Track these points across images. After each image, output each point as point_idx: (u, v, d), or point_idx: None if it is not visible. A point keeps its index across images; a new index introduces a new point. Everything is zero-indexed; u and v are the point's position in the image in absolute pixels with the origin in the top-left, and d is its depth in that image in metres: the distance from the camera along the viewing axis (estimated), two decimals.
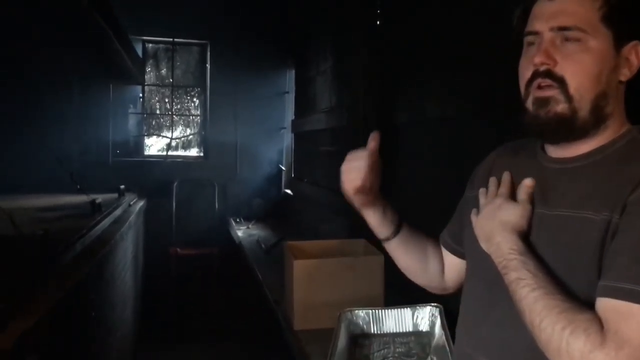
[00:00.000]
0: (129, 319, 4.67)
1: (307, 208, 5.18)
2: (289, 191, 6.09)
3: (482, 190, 1.20)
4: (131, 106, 6.43)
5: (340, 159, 1.35)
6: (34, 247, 2.66)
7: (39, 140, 5.45)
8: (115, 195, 5.05)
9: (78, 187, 4.61)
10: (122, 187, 5.21)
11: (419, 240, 1.42)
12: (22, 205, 4.10)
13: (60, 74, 5.54)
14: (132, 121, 6.45)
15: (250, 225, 5.66)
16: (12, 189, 4.63)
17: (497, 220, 1.10)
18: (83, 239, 3.19)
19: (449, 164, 2.62)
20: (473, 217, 1.20)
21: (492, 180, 1.19)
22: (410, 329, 2.27)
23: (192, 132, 6.74)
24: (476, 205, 1.21)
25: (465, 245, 1.29)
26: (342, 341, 2.07)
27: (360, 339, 2.22)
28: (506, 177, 1.17)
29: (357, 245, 2.79)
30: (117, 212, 4.47)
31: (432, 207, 2.70)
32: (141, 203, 5.47)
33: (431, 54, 2.90)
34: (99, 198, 4.21)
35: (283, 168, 6.37)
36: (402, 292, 2.73)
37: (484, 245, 1.14)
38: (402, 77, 3.26)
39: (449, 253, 1.40)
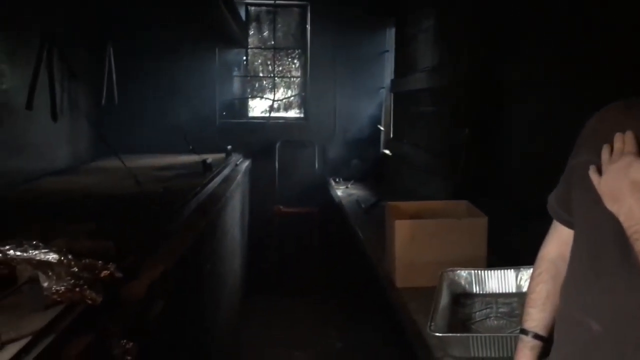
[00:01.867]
0: (237, 271, 4.97)
1: (406, 169, 5.19)
2: (387, 152, 6.11)
3: (605, 147, 1.14)
4: (235, 69, 6.66)
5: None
6: (156, 204, 2.91)
7: (154, 104, 5.82)
8: (223, 155, 5.31)
9: (191, 148, 4.90)
10: (229, 147, 5.47)
11: None
12: (144, 165, 4.44)
13: (170, 41, 5.84)
14: (236, 84, 6.69)
15: (349, 186, 5.76)
16: (135, 150, 5.01)
17: (627, 179, 1.07)
18: (197, 197, 3.42)
19: (562, 127, 2.53)
20: (594, 176, 1.14)
21: (618, 137, 1.13)
22: (514, 290, 2.28)
23: (293, 93, 6.89)
24: (585, 169, 1.17)
25: (575, 210, 1.27)
26: (444, 300, 2.12)
27: (462, 298, 2.27)
28: (630, 135, 1.11)
29: (460, 206, 2.80)
30: (226, 171, 4.72)
31: (541, 173, 2.66)
32: (246, 163, 5.73)
33: (543, 9, 2.78)
34: (209, 158, 4.47)
35: (382, 128, 6.39)
36: (504, 254, 2.74)
37: (610, 206, 1.10)
38: (511, 32, 3.16)
39: (560, 226, 1.37)
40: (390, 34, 6.14)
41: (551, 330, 1.35)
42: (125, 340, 1.61)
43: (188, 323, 2.72)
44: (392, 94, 6.04)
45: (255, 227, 6.11)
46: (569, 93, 2.54)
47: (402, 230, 2.52)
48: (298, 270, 6.24)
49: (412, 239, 2.52)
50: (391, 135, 6.09)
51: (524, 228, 2.71)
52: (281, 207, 6.25)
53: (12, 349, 1.30)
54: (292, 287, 6.01)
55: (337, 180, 6.07)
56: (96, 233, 2.26)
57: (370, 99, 6.48)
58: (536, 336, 1.35)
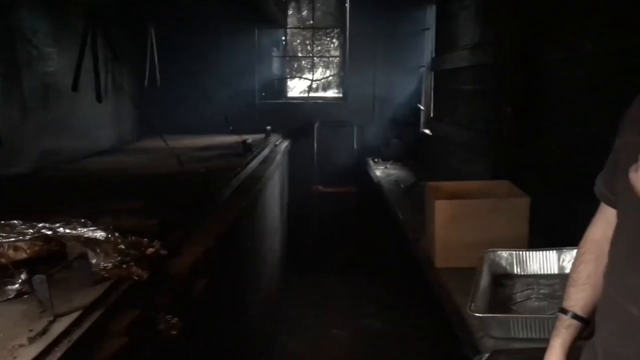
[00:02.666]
0: (276, 249, 5.03)
1: (446, 148, 5.13)
2: (427, 131, 6.05)
3: None
4: (274, 49, 6.67)
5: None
6: (198, 183, 2.96)
7: (195, 85, 5.89)
8: (262, 135, 5.35)
9: (231, 128, 4.96)
10: (268, 128, 5.51)
11: None
12: (185, 146, 4.52)
13: (210, 22, 5.88)
14: (275, 64, 6.70)
15: (388, 166, 5.74)
16: (177, 130, 5.09)
17: None
18: (238, 177, 3.47)
19: (606, 108, 2.46)
20: (632, 173, 1.08)
21: None
22: (556, 271, 2.25)
23: (332, 73, 6.86)
24: (629, 150, 1.11)
25: (619, 192, 1.25)
26: (484, 280, 2.11)
27: (502, 279, 2.25)
28: None
29: (501, 186, 2.76)
30: (265, 151, 4.76)
31: (585, 152, 2.59)
32: (285, 143, 5.76)
33: None
34: (249, 138, 4.52)
35: (421, 107, 6.32)
36: (546, 234, 2.70)
37: None
38: (553, 11, 3.07)
39: (606, 208, 1.34)
40: (431, 12, 6.04)
41: (591, 312, 1.33)
42: (170, 315, 1.66)
43: (229, 299, 2.78)
44: (432, 73, 5.96)
45: (294, 206, 6.16)
46: (612, 73, 2.46)
47: (442, 211, 2.50)
48: (336, 250, 6.28)
49: (452, 220, 2.50)
50: (431, 114, 6.02)
51: (567, 208, 2.66)
52: (320, 187, 6.28)
53: (64, 321, 1.35)
54: (331, 265, 6.05)
55: (376, 160, 6.05)
56: (141, 211, 2.32)
57: (410, 78, 6.40)
58: (574, 316, 1.34)
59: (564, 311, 1.36)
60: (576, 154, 2.71)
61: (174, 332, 1.64)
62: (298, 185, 6.23)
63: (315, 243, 6.27)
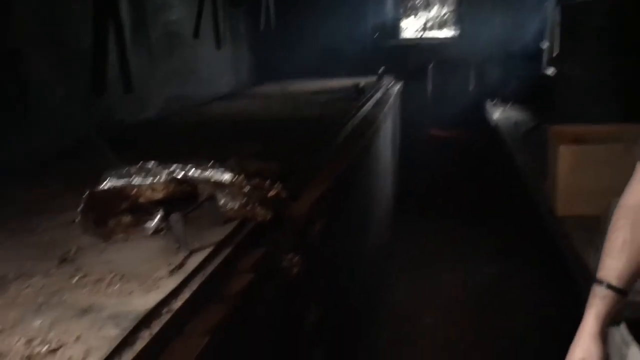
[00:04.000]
0: (388, 193, 5.06)
1: (571, 90, 4.81)
2: (551, 71, 5.69)
3: None
4: None
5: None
6: (314, 127, 3.02)
7: (309, 28, 5.91)
8: (375, 78, 5.31)
9: (344, 71, 4.96)
10: (381, 70, 5.44)
11: None
12: (301, 90, 4.60)
13: None
14: (389, 4, 6.54)
15: (507, 108, 5.50)
16: (291, 74, 5.18)
17: None
18: (352, 121, 3.50)
19: None
20: None
21: None
22: None
23: (448, 10, 6.59)
24: None
25: None
26: None
27: None
28: None
29: (633, 130, 2.57)
30: (378, 94, 4.73)
31: None
32: (398, 85, 5.68)
33: None
34: (362, 81, 4.50)
35: (545, 46, 5.92)
36: None
37: None
38: None
39: None
40: None
41: (627, 282, 1.24)
42: (292, 254, 1.75)
43: (344, 239, 2.86)
44: (558, 8, 5.53)
45: (407, 150, 6.11)
46: None
47: (567, 157, 2.39)
48: (450, 194, 6.19)
49: (577, 166, 2.38)
50: (555, 53, 5.63)
51: None
52: (433, 130, 6.17)
53: (198, 257, 1.47)
54: (443, 210, 5.99)
55: (494, 102, 5.81)
56: (261, 155, 2.42)
57: (533, 14, 5.99)
58: (609, 286, 1.24)
59: (599, 281, 1.27)
60: None
61: (296, 270, 1.73)
62: (411, 129, 6.15)
63: (428, 187, 6.22)
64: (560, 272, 2.49)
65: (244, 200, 1.80)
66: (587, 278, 1.89)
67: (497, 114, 5.27)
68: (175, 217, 1.53)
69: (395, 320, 3.98)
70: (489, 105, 5.76)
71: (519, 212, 4.40)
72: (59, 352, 1.08)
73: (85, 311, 1.24)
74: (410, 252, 5.13)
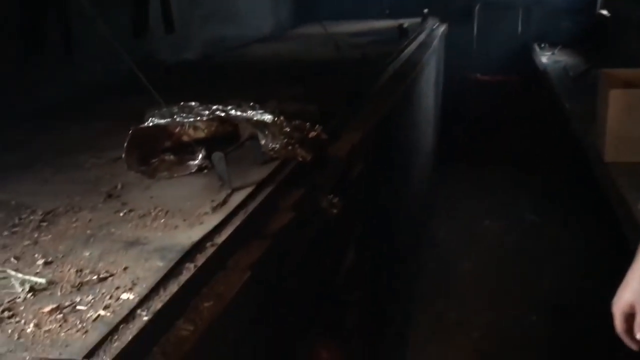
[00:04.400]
0: (430, 139, 5.00)
1: (626, 32, 4.58)
2: (604, 12, 5.41)
3: None
4: None
5: None
6: (355, 69, 2.98)
7: None
8: (419, 20, 5.15)
9: (387, 12, 4.83)
10: (425, 11, 5.27)
11: None
12: (342, 31, 4.50)
13: None
14: None
15: (556, 52, 5.29)
16: (333, 16, 5.07)
17: None
18: (394, 63, 3.42)
19: None
20: None
21: None
22: None
23: None
24: None
25: None
26: None
27: None
28: None
29: None
30: (421, 37, 4.60)
31: None
32: (442, 28, 5.50)
33: None
34: (405, 23, 4.38)
35: None
36: None
37: None
38: None
39: None
40: None
41: None
42: (331, 196, 1.75)
43: (384, 183, 2.85)
44: None
45: (450, 95, 5.98)
46: None
47: (617, 101, 2.30)
48: (494, 141, 6.07)
49: (627, 111, 2.29)
50: None
51: None
52: (478, 74, 6.00)
53: (241, 195, 1.49)
54: (486, 157, 5.90)
55: (542, 45, 5.59)
56: (301, 97, 2.41)
57: None
58: None
59: None
60: None
61: (335, 211, 1.74)
62: (455, 73, 5.99)
63: (471, 134, 6.10)
64: (606, 219, 2.44)
65: (285, 141, 1.80)
66: (633, 225, 1.84)
67: (546, 58, 5.08)
68: (217, 155, 1.54)
69: (434, 266, 4.00)
70: (537, 48, 5.55)
71: (566, 158, 4.30)
72: (107, 281, 1.12)
73: (131, 244, 1.28)
74: (452, 199, 5.10)
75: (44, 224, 1.43)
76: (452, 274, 3.88)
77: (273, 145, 1.77)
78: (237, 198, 1.47)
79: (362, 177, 2.12)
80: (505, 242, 4.40)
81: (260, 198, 1.51)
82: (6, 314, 1.04)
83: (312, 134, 1.94)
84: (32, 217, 1.47)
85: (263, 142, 1.78)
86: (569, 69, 4.38)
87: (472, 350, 3.15)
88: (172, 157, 1.82)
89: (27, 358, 0.91)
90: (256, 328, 1.28)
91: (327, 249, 1.80)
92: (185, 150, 1.82)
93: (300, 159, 1.78)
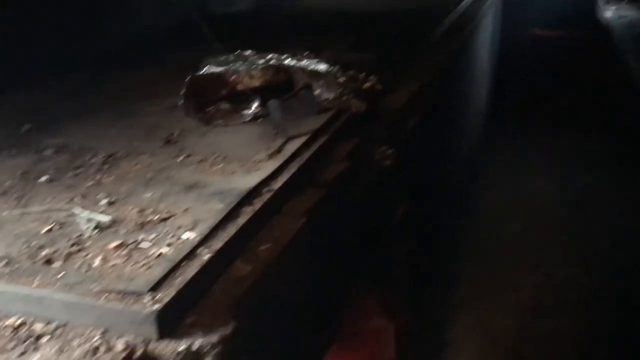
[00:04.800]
0: (484, 94, 4.87)
1: None
2: None
3: None
4: None
5: None
6: (411, 21, 2.91)
7: None
8: None
9: None
10: None
11: None
12: None
13: None
14: None
15: (622, 5, 5.02)
16: None
17: None
18: (450, 15, 3.32)
19: None
20: None
21: None
22: None
23: None
24: None
25: None
26: None
27: None
28: None
29: None
30: None
31: None
32: None
33: None
34: None
35: None
36: None
37: None
38: None
39: None
40: None
41: None
42: (385, 146, 1.74)
43: (437, 137, 2.81)
44: None
45: (507, 50, 5.77)
46: None
47: None
48: (549, 100, 5.86)
49: None
50: None
51: None
52: (537, 29, 5.76)
53: (295, 143, 1.50)
54: (542, 116, 5.71)
55: None
56: (357, 48, 2.37)
57: None
58: None
59: None
60: None
61: (389, 162, 1.74)
62: (512, 27, 5.76)
63: (527, 91, 5.90)
64: None
65: (339, 91, 1.79)
66: None
67: (610, 12, 4.84)
68: (273, 103, 1.55)
69: (484, 224, 3.96)
70: (600, 2, 5.28)
71: (625, 120, 4.14)
72: (169, 221, 1.16)
73: (191, 187, 1.31)
74: (504, 158, 4.99)
75: (106, 166, 1.48)
76: (503, 232, 3.83)
77: (327, 95, 1.76)
78: (292, 146, 1.48)
79: (416, 129, 2.09)
80: (556, 203, 4.29)
81: (314, 147, 1.51)
82: (74, 248, 1.09)
83: (367, 84, 1.92)
84: (94, 160, 1.52)
85: (317, 91, 1.77)
86: (635, 24, 4.16)
87: (521, 310, 3.12)
88: (227, 106, 1.84)
89: (96, 289, 0.95)
90: (309, 272, 1.30)
91: (379, 200, 1.79)
92: (240, 98, 1.83)
93: (354, 110, 1.77)
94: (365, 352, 2.11)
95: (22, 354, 0.89)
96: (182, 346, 0.89)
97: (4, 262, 1.04)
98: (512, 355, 2.85)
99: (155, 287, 0.93)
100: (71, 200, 1.30)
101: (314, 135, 1.56)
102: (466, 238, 3.68)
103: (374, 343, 2.09)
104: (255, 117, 1.72)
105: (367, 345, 2.08)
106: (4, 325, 0.96)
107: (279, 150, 1.46)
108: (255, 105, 1.75)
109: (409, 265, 2.16)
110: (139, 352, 0.88)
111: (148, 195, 1.29)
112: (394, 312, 2.12)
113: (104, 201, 1.27)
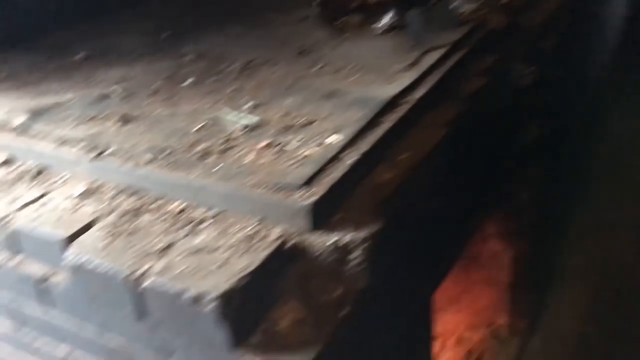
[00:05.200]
0: (618, 26, 4.46)
1: None
2: None
3: None
4: None
5: None
6: None
7: None
8: None
9: None
10: None
11: None
12: None
13: None
14: None
15: None
16: None
17: None
18: None
19: None
20: None
21: None
22: None
23: None
24: None
25: None
26: None
27: None
28: None
29: None
30: None
31: None
32: None
33: None
34: None
35: None
36: None
37: None
38: None
39: None
40: None
41: None
42: (524, 64, 1.66)
43: (572, 61, 2.63)
44: None
45: None
46: None
47: None
48: None
49: None
50: None
51: None
52: None
53: (433, 55, 1.46)
54: None
55: None
56: None
57: None
58: None
59: None
60: None
61: (527, 82, 1.66)
62: None
63: None
64: None
65: (478, 4, 1.71)
66: None
67: None
68: (414, 12, 1.50)
69: (607, 159, 3.73)
70: None
71: None
72: (313, 125, 1.18)
73: (330, 94, 1.32)
74: (632, 96, 4.61)
75: (245, 72, 1.52)
76: (632, 170, 3.59)
77: (466, 8, 1.69)
78: (430, 58, 1.44)
79: (555, 49, 1.96)
80: None
81: (452, 60, 1.46)
82: (226, 145, 1.14)
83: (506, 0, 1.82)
84: (232, 67, 1.57)
85: (455, 4, 1.70)
86: None
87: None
88: (357, 18, 1.81)
89: (251, 182, 1.00)
90: (445, 185, 1.30)
91: (514, 120, 1.73)
92: (369, 12, 1.79)
93: (493, 25, 1.68)
94: (480, 275, 2.11)
95: (186, 235, 0.97)
96: (332, 239, 0.93)
97: (166, 153, 1.12)
98: (626, 294, 2.74)
99: (308, 182, 0.97)
100: (216, 102, 1.35)
101: (452, 48, 1.50)
102: (595, 166, 3.50)
103: (490, 266, 2.08)
104: (389, 29, 1.68)
105: (484, 268, 2.07)
106: (167, 210, 1.04)
107: (415, 62, 1.43)
108: (388, 17, 1.71)
109: (535, 191, 2.10)
110: (292, 241, 0.93)
111: (289, 100, 1.31)
112: (514, 238, 2.08)
113: (249, 104, 1.31)
